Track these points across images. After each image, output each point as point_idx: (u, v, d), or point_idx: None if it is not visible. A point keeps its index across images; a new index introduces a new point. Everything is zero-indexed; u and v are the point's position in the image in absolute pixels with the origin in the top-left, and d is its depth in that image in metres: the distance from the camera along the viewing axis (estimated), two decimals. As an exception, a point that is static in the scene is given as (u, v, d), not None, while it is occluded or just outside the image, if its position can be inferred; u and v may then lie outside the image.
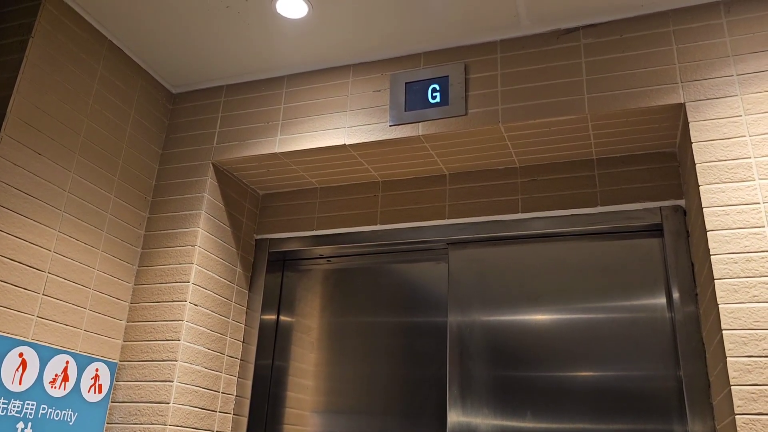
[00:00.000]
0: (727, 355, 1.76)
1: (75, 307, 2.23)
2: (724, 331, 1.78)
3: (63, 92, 2.27)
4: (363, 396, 2.60)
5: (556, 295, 2.43)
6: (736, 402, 1.71)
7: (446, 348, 2.50)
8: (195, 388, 2.40)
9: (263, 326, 2.81)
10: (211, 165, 2.64)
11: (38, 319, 2.09)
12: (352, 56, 2.58)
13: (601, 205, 2.39)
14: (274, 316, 2.86)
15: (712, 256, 1.87)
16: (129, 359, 2.40)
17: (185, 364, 2.36)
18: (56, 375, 2.14)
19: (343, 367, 2.67)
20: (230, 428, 2.57)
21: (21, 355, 2.02)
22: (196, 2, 2.32)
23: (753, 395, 1.70)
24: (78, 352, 2.23)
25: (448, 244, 2.64)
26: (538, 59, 2.33)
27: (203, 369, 2.45)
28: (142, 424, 2.28)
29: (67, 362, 2.18)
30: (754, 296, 1.79)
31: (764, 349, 1.73)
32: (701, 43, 2.13)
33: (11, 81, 2.11)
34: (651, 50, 2.19)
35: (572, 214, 2.43)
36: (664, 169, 2.36)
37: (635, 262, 2.37)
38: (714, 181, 1.96)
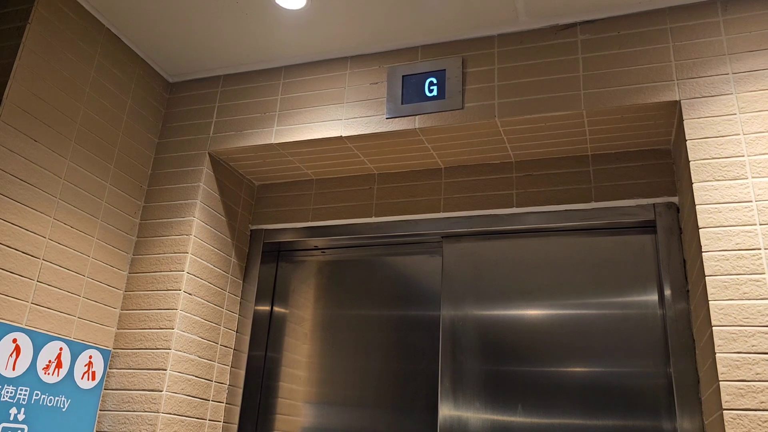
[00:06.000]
0: (716, 351, 1.77)
1: (69, 294, 2.24)
2: (714, 328, 1.80)
3: (60, 79, 2.27)
4: (355, 388, 2.61)
5: (549, 290, 2.44)
6: (724, 397, 1.73)
7: (439, 341, 2.51)
8: (188, 376, 2.41)
9: (257, 316, 2.82)
10: (207, 155, 2.64)
11: (32, 305, 2.10)
12: (349, 48, 2.58)
13: (595, 201, 2.40)
14: (267, 307, 2.87)
15: (703, 253, 1.89)
16: (123, 347, 2.41)
17: (179, 352, 2.37)
18: (50, 361, 2.15)
19: (335, 359, 2.68)
20: (222, 417, 2.58)
21: (15, 341, 2.03)
22: (195, -9, 2.32)
23: (741, 391, 1.72)
24: (72, 339, 2.24)
25: (442, 237, 2.65)
26: (536, 54, 2.33)
27: (197, 358, 2.46)
28: (135, 411, 2.29)
29: (61, 349, 2.19)
30: (744, 293, 1.81)
31: (753, 346, 1.75)
32: (697, 41, 2.14)
33: (8, 67, 2.10)
34: (647, 47, 2.20)
35: (566, 210, 2.44)
36: (658, 166, 2.37)
37: (628, 259, 2.39)
38: (707, 179, 1.97)
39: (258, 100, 2.67)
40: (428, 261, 2.70)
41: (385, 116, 2.44)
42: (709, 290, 1.84)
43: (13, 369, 2.02)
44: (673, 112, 2.17)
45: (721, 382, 1.74)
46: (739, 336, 1.77)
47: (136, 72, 2.64)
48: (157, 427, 2.24)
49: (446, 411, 2.38)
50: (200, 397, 2.46)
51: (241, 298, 2.78)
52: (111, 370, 2.39)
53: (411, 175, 2.72)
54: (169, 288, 2.44)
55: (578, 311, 2.38)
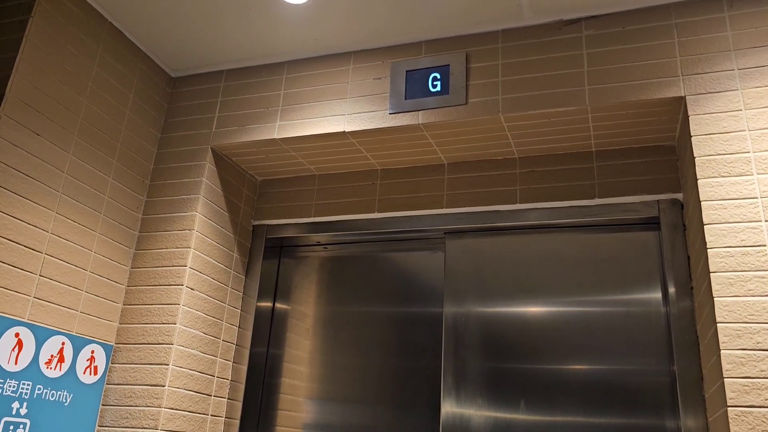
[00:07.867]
0: (721, 348, 1.77)
1: (72, 288, 2.23)
2: (718, 324, 1.79)
3: (62, 73, 2.26)
4: (357, 385, 2.61)
5: (552, 287, 2.43)
6: (728, 394, 1.72)
7: (441, 338, 2.51)
8: (190, 371, 2.40)
9: (259, 312, 2.81)
10: (209, 150, 2.63)
11: (35, 299, 2.09)
12: (353, 43, 2.57)
13: (599, 197, 2.39)
14: (270, 303, 2.87)
15: (708, 250, 1.88)
16: (125, 342, 2.40)
17: (181, 347, 2.37)
18: (52, 356, 2.14)
19: (337, 356, 2.68)
20: (225, 412, 2.58)
21: (17, 335, 2.02)
22: (198, -15, 2.31)
23: (746, 387, 1.71)
24: (74, 334, 2.23)
25: (445, 233, 2.64)
26: (540, 50, 2.32)
27: (199, 353, 2.46)
28: (137, 406, 2.28)
29: (63, 343, 2.19)
30: (750, 290, 1.80)
31: (758, 343, 1.74)
32: (703, 37, 2.13)
33: (10, 61, 2.09)
34: (652, 43, 2.19)
35: (570, 206, 2.43)
36: (662, 162, 2.36)
37: (632, 255, 2.38)
38: (712, 175, 1.96)
39: (261, 95, 2.66)
40: (431, 257, 2.70)
41: (388, 111, 2.44)
42: (714, 287, 1.83)
43: (16, 363, 2.02)
44: (678, 108, 2.16)
45: (725, 379, 1.73)
46: (744, 333, 1.76)
47: (139, 66, 2.64)
48: (159, 422, 2.24)
49: (449, 408, 2.38)
50: (202, 392, 2.46)
51: (243, 294, 2.78)
52: (113, 365, 2.39)
53: (414, 170, 2.71)
54: (171, 283, 2.43)
55: (581, 308, 2.38)
